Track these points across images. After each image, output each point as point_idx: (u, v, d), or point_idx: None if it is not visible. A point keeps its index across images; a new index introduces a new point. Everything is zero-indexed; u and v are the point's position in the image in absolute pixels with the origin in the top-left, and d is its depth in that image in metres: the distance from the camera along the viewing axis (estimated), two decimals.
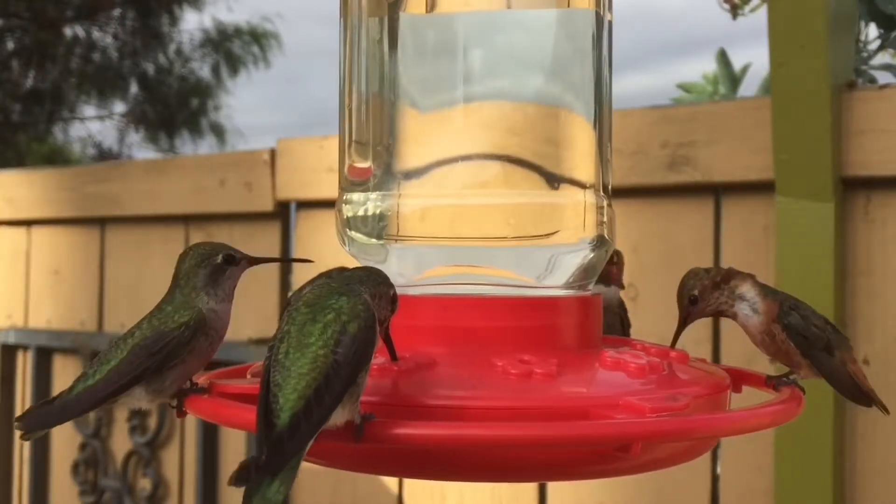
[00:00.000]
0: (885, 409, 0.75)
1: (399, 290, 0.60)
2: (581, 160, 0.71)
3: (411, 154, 0.71)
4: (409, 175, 0.71)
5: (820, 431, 1.24)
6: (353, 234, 0.72)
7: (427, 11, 0.72)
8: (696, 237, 1.38)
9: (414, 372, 0.61)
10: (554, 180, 0.70)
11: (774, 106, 1.26)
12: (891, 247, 1.26)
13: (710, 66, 1.80)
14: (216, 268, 0.67)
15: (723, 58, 1.74)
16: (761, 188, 1.31)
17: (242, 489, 0.51)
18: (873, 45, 1.41)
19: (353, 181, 0.73)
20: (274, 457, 0.50)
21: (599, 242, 0.71)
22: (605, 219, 0.71)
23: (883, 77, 1.38)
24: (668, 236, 1.41)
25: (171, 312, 0.66)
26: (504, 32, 0.71)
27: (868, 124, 1.24)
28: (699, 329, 1.34)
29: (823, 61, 1.22)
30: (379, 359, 0.61)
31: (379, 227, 0.71)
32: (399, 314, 0.61)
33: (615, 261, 0.83)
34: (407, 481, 1.61)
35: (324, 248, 1.58)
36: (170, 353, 0.64)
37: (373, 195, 0.71)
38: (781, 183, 1.27)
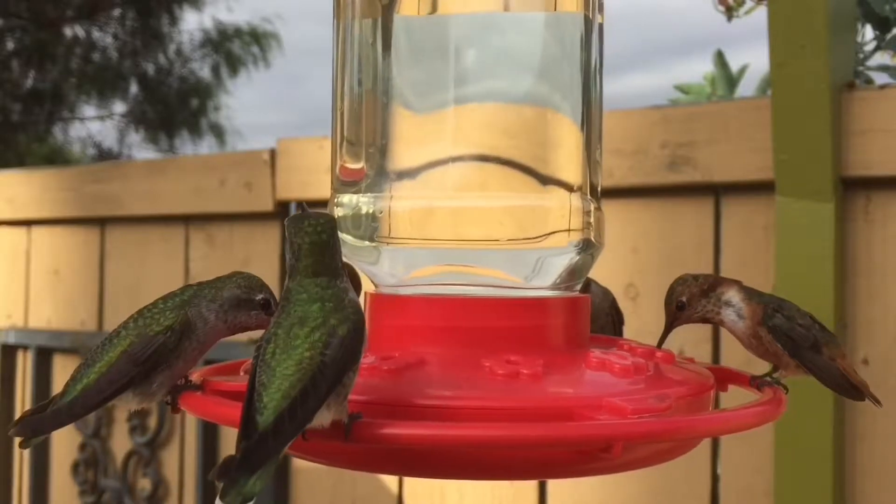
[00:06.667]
0: (877, 402, 0.76)
1: (390, 290, 0.61)
2: (568, 163, 0.71)
3: (403, 155, 0.71)
4: (402, 176, 0.71)
5: (820, 431, 1.24)
6: (344, 235, 0.72)
7: (420, 13, 0.72)
8: (696, 237, 1.38)
9: (402, 371, 0.62)
10: (540, 183, 0.70)
11: (774, 106, 1.26)
12: (891, 247, 1.26)
13: (710, 66, 1.79)
14: (248, 302, 0.67)
15: (720, 59, 1.74)
16: (761, 188, 1.31)
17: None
18: (869, 47, 1.41)
19: (344, 182, 0.73)
20: (255, 455, 0.51)
21: (585, 245, 0.71)
22: (591, 221, 0.71)
23: (879, 78, 1.38)
24: (668, 236, 1.40)
25: (157, 314, 0.66)
26: (493, 35, 0.71)
27: (868, 124, 1.24)
28: (700, 329, 1.34)
29: (823, 61, 1.22)
30: (368, 358, 0.61)
31: (371, 228, 0.71)
32: (389, 314, 0.62)
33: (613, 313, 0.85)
34: (407, 481, 1.61)
35: None
36: (157, 361, 0.65)
37: (364, 196, 0.71)
38: (781, 183, 1.27)
